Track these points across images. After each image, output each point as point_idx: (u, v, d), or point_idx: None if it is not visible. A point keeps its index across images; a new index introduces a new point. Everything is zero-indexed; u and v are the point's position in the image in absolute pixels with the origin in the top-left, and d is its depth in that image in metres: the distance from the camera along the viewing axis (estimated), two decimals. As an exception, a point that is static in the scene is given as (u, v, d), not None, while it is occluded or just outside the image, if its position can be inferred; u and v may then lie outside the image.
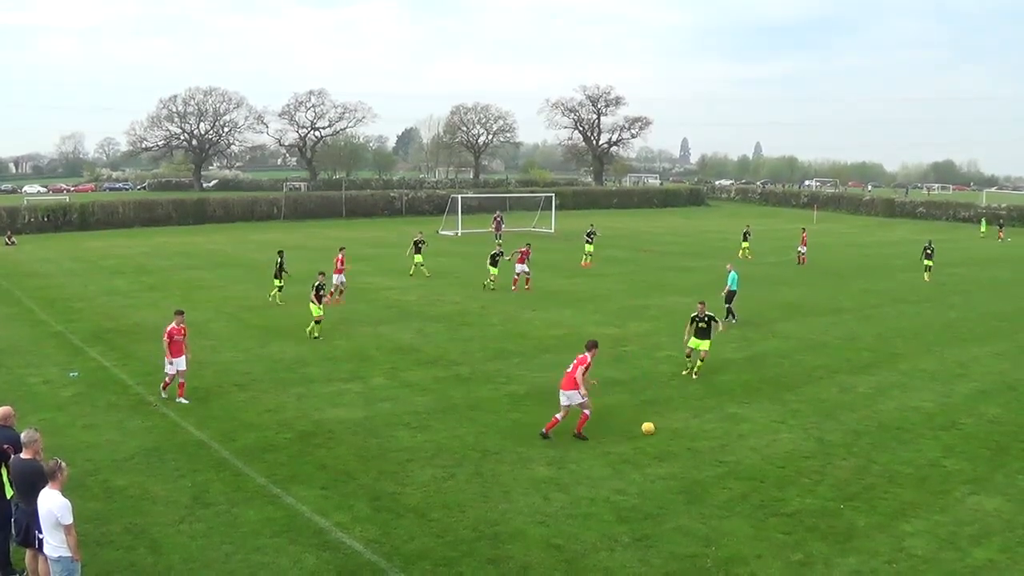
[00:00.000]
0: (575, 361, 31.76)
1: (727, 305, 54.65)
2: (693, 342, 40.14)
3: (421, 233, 76.82)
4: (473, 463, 28.76)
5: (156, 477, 27.11)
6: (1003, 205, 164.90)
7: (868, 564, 22.06)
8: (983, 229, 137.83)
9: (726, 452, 30.34)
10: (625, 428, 32.55)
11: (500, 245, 70.30)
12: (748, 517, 24.85)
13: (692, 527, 24.05)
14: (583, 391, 31.10)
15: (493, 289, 65.63)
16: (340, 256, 62.07)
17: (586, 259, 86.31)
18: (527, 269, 67.73)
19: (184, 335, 35.29)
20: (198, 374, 38.19)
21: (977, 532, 23.99)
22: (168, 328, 35.11)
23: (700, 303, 41.92)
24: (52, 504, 17.31)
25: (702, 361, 39.99)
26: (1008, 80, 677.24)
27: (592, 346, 32.52)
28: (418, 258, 73.45)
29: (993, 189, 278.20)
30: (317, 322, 48.23)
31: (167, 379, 35.47)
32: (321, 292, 48.47)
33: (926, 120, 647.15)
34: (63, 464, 17.85)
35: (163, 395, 35.45)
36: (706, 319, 39.82)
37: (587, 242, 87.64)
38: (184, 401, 34.82)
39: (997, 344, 49.58)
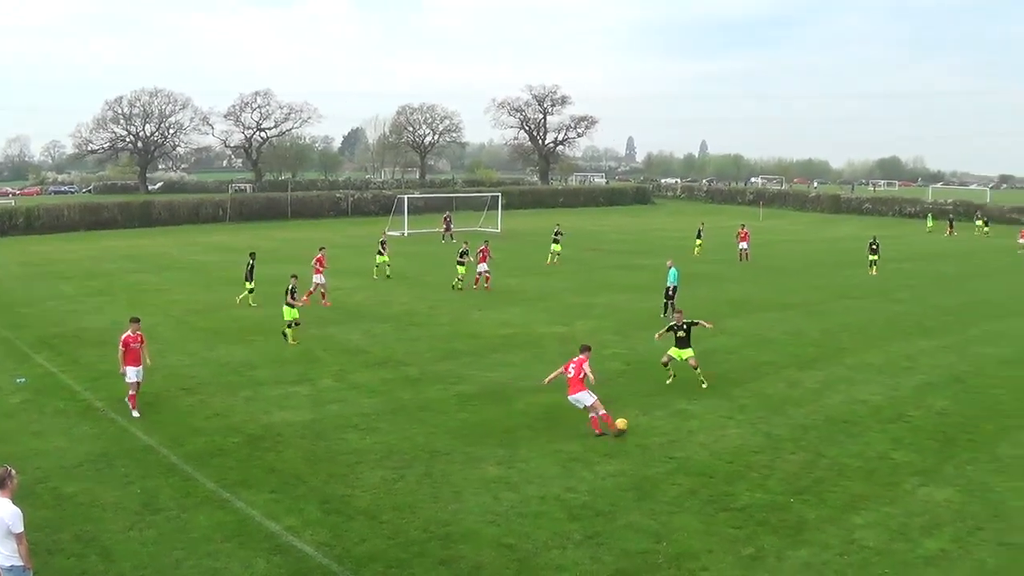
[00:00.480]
0: (573, 365, 32.02)
1: (667, 301, 55.22)
2: (674, 351, 39.49)
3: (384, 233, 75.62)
4: (423, 464, 28.70)
5: (106, 484, 26.92)
6: (949, 201, 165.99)
7: (819, 556, 22.17)
8: (930, 224, 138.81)
9: (675, 448, 30.41)
10: (574, 426, 32.48)
11: (466, 243, 70.07)
12: (698, 512, 24.92)
13: (643, 523, 24.09)
14: (589, 394, 31.30)
15: (461, 289, 65.54)
16: (320, 256, 61.87)
17: (552, 258, 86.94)
18: (487, 268, 67.99)
19: (141, 343, 34.45)
20: (146, 378, 38.01)
21: (928, 523, 24.14)
22: (123, 336, 34.30)
23: (678, 312, 42.32)
24: (3, 512, 17.14)
25: (697, 369, 39.44)
26: (955, 76, 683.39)
27: (586, 349, 33.00)
28: (382, 258, 73.09)
29: (939, 185, 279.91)
30: (290, 326, 47.44)
31: (132, 391, 34.25)
32: (295, 294, 47.87)
33: (872, 117, 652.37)
34: (13, 472, 17.67)
35: (135, 413, 33.79)
36: (685, 327, 39.53)
37: (554, 241, 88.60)
38: (135, 414, 33.79)
39: (944, 337, 49.95)
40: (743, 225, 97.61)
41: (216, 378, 39.37)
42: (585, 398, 31.55)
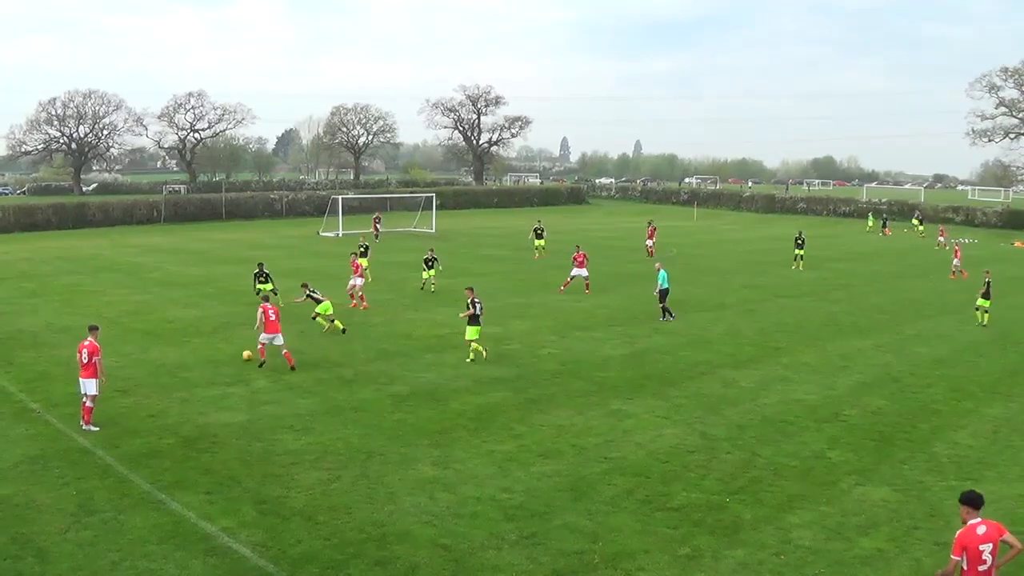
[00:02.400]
0: None
1: (661, 304, 55.46)
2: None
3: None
4: (358, 465, 28.66)
5: (41, 485, 26.72)
6: (884, 200, 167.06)
7: (755, 556, 22.28)
8: (870, 224, 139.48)
9: (611, 448, 30.49)
10: (508, 426, 32.64)
11: (432, 251, 68.62)
12: (634, 512, 25.00)
13: (579, 523, 24.14)
14: None
15: (433, 292, 64.85)
16: (354, 260, 61.95)
17: (538, 252, 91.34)
18: (585, 273, 68.00)
19: (98, 354, 32.57)
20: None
21: (864, 522, 24.31)
22: (80, 344, 33.06)
23: (468, 288, 43.32)
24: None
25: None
26: (890, 76, 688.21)
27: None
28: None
29: (874, 184, 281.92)
30: (331, 321, 49.99)
31: (84, 404, 32.83)
32: (315, 295, 49.89)
33: (806, 116, 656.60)
34: None
35: (91, 428, 32.36)
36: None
37: (537, 237, 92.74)
38: (93, 428, 32.26)
39: (879, 336, 50.42)
40: (650, 222, 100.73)
41: (151, 379, 39.13)
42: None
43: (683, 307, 59.10)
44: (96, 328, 34.17)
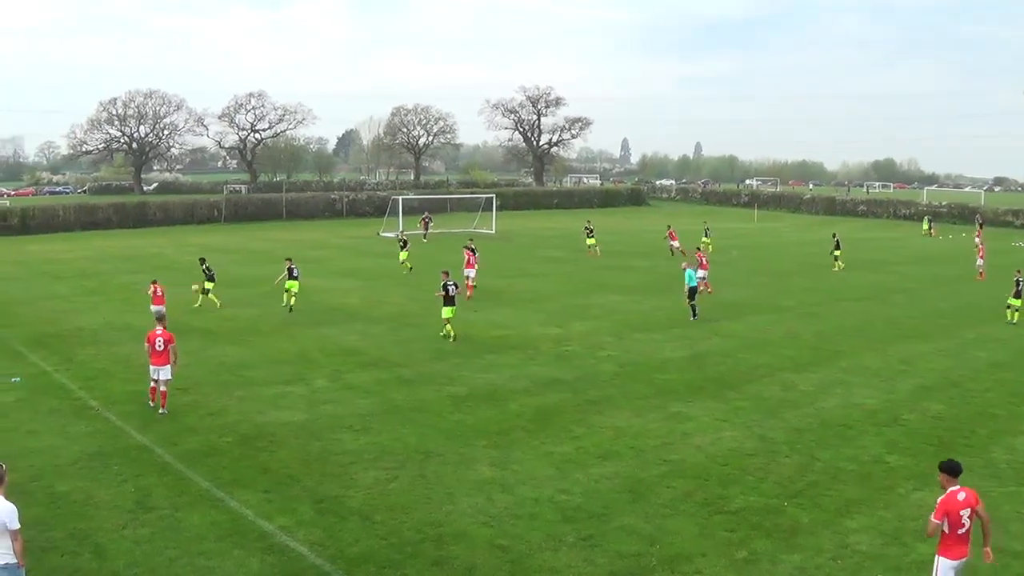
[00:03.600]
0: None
1: (691, 303, 55.50)
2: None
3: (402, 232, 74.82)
4: (416, 465, 28.68)
5: (99, 482, 26.88)
6: (943, 203, 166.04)
7: (813, 561, 22.13)
8: (925, 227, 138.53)
9: (670, 451, 30.38)
10: (567, 427, 32.58)
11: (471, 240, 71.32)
12: (692, 515, 24.88)
13: (637, 526, 24.05)
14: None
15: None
16: (468, 252, 67.39)
17: (591, 250, 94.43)
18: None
19: (173, 341, 34.46)
20: (141, 378, 37.94)
21: (922, 528, 24.00)
22: (151, 333, 34.45)
23: (444, 271, 44.18)
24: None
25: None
26: (949, 77, 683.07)
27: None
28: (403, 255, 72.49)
29: (934, 187, 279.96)
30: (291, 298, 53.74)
31: (152, 388, 34.92)
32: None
33: (867, 117, 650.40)
34: (5, 468, 17.65)
35: (153, 406, 34.63)
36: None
37: (589, 235, 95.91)
38: (163, 412, 34.10)
39: (939, 341, 49.97)
40: (669, 226, 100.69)
41: (211, 377, 39.29)
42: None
43: (742, 310, 59.03)
44: (164, 317, 36.29)
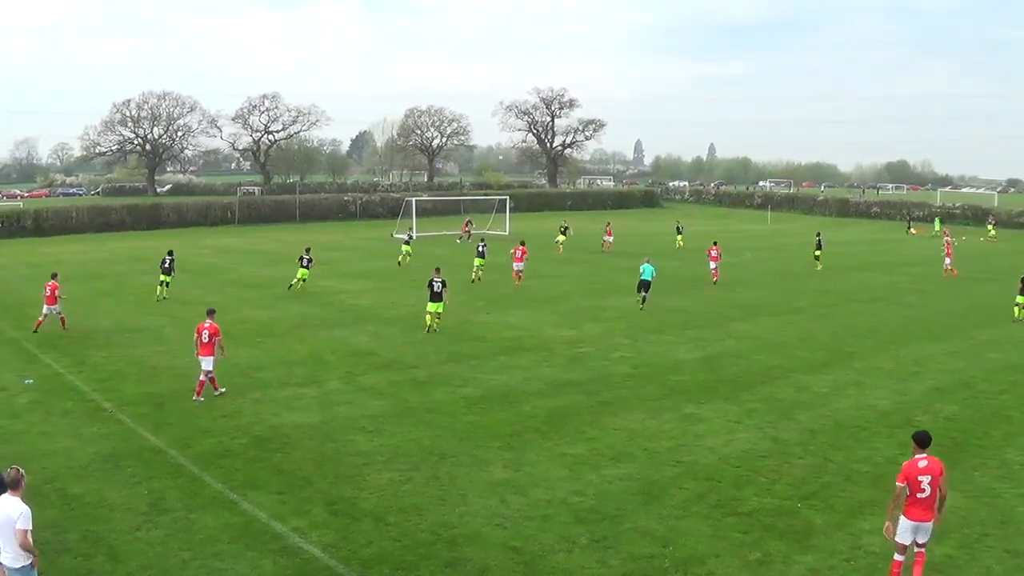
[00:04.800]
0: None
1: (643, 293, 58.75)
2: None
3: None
4: (430, 466, 28.71)
5: (113, 484, 26.94)
6: (957, 204, 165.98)
7: (826, 562, 22.14)
8: (936, 228, 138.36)
9: (683, 452, 30.38)
10: (580, 429, 32.60)
11: (483, 241, 74.59)
12: (705, 517, 24.89)
13: (650, 527, 24.06)
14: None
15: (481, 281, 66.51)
16: (519, 248, 71.17)
17: (558, 246, 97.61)
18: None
19: (218, 334, 36.62)
20: (153, 379, 38.16)
21: (935, 529, 24.08)
22: (199, 326, 36.84)
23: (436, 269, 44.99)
24: (12, 511, 17.14)
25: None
26: (963, 78, 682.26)
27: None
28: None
29: (947, 188, 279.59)
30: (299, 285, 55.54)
31: (200, 381, 36.56)
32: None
33: (880, 119, 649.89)
34: (22, 472, 17.72)
35: (200, 399, 36.28)
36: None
37: (561, 233, 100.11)
38: (197, 399, 35.88)
39: (952, 342, 49.92)
40: (608, 223, 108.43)
41: (224, 379, 39.15)
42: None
43: (755, 311, 59.05)
44: (214, 311, 37.81)
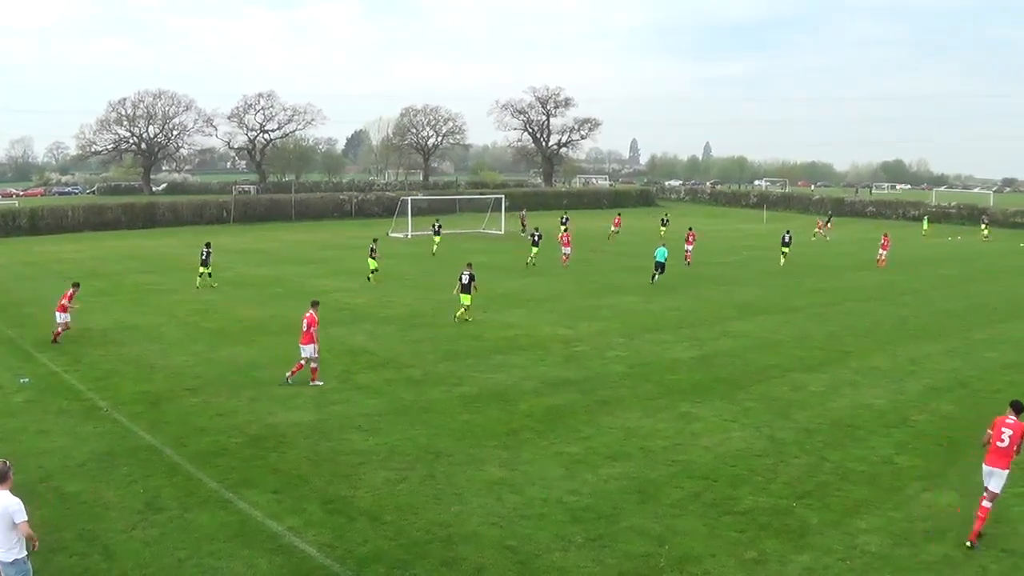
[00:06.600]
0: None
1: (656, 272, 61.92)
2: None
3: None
4: (426, 465, 28.69)
5: (109, 483, 26.94)
6: (952, 204, 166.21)
7: (822, 561, 22.15)
8: (925, 228, 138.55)
9: (679, 451, 30.39)
10: (576, 428, 32.62)
11: (537, 230, 78.02)
12: (701, 516, 24.91)
13: (646, 526, 24.07)
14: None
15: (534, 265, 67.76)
16: (564, 235, 77.54)
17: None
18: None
19: (315, 324, 38.49)
20: (149, 378, 38.14)
21: (931, 528, 24.12)
22: (305, 316, 38.65)
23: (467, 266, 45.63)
24: (7, 504, 17.14)
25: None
26: (959, 78, 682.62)
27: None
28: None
29: (943, 188, 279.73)
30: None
31: (298, 366, 38.98)
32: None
33: (876, 119, 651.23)
34: (8, 464, 17.71)
35: (288, 381, 38.72)
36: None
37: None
38: (319, 383, 38.45)
39: (948, 341, 49.94)
40: (619, 213, 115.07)
41: (220, 378, 39.34)
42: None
43: (752, 310, 59.07)
44: (317, 303, 40.03)
